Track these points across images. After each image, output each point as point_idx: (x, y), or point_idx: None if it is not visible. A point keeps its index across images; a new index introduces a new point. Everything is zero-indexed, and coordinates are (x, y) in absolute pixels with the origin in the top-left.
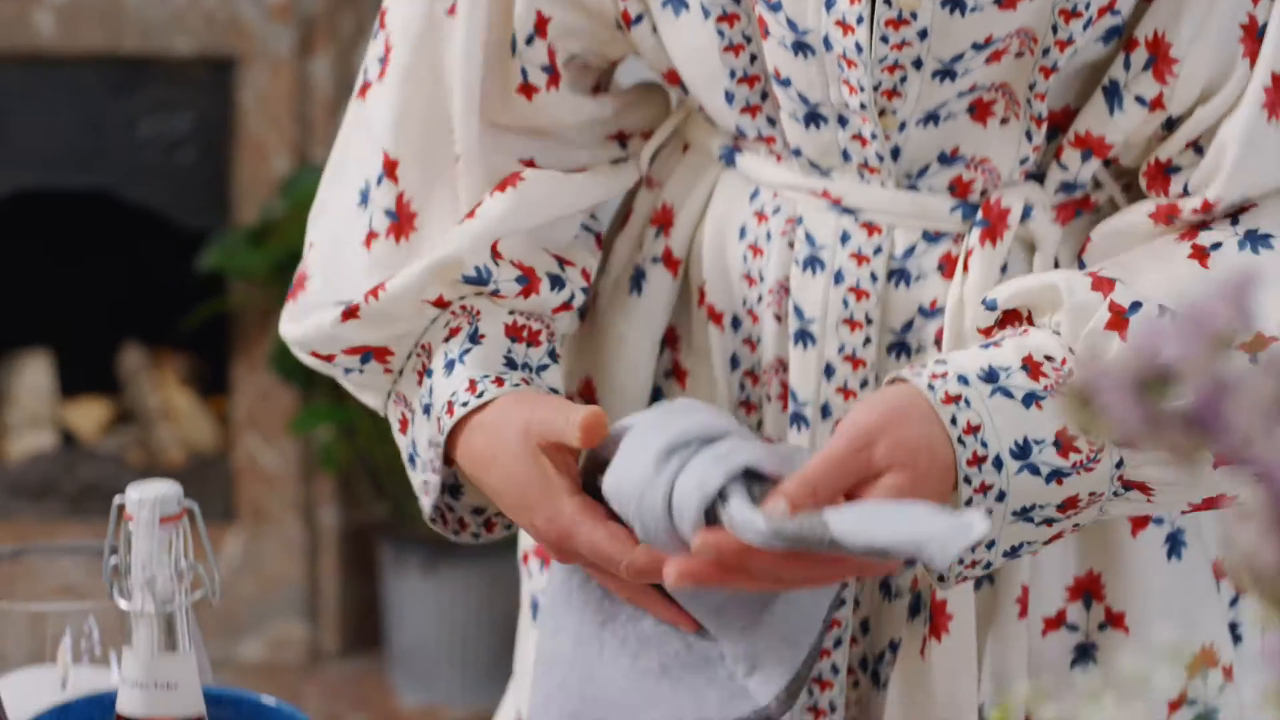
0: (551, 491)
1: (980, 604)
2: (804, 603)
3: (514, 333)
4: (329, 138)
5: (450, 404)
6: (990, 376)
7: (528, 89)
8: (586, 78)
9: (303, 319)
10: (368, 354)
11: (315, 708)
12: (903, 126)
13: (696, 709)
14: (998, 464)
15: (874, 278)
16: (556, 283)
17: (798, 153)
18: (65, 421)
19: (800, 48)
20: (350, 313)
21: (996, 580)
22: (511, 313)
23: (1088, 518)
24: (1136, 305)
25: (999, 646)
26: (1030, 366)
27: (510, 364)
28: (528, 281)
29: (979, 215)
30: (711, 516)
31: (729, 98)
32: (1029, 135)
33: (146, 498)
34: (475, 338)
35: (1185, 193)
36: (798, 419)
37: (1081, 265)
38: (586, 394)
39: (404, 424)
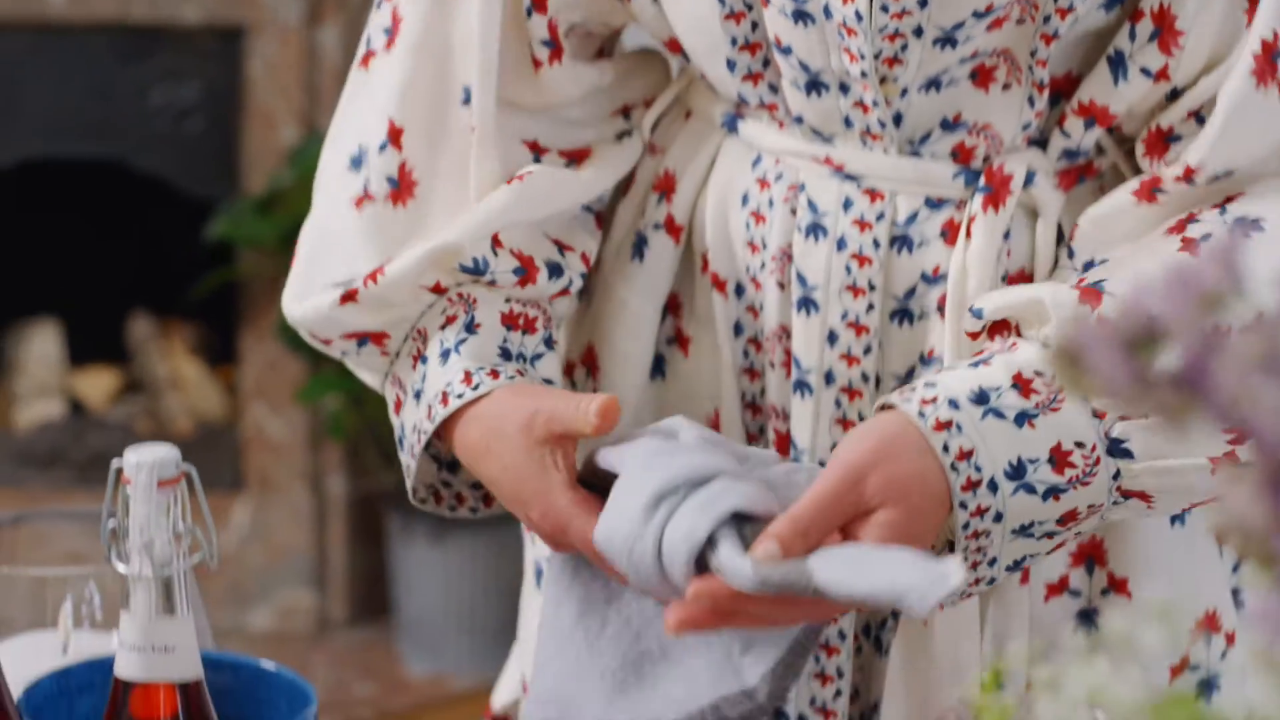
0: (547, 485)
1: None
2: None
3: (510, 321)
4: (338, 107)
5: (445, 394)
6: (981, 398)
7: (533, 63)
8: (589, 45)
9: (302, 299)
10: (364, 339)
11: (323, 676)
12: (904, 93)
13: (688, 688)
14: (993, 487)
15: (876, 244)
16: (554, 271)
17: (799, 120)
18: (74, 390)
19: (800, 16)
20: (349, 296)
21: None
22: (508, 300)
23: (1089, 526)
24: None
25: (1001, 612)
26: (1021, 385)
27: (505, 355)
28: (525, 272)
29: (981, 181)
30: (703, 563)
31: (730, 65)
32: (1031, 101)
33: (144, 461)
34: (471, 327)
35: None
36: (801, 386)
37: (1071, 254)
38: (588, 361)
39: (398, 405)
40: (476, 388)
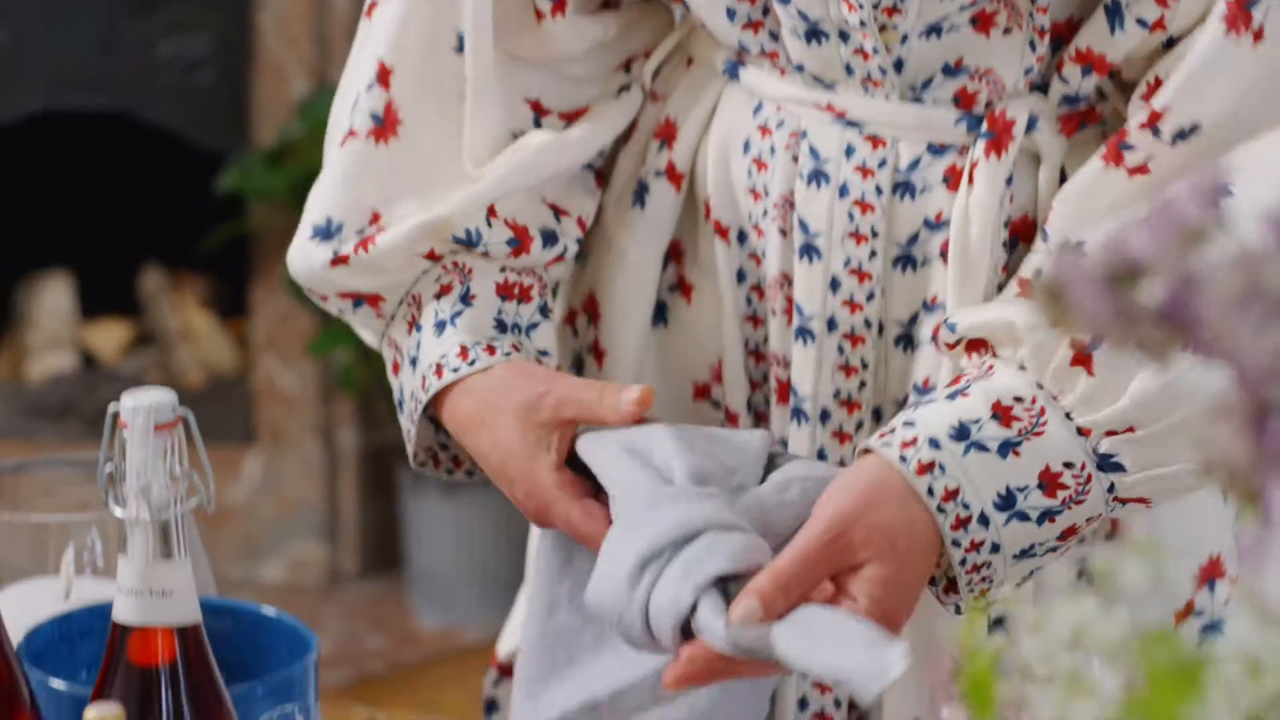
0: (534, 465)
1: None
2: None
3: (505, 291)
4: (347, 59)
5: (439, 366)
6: (961, 433)
7: (535, 14)
8: None
9: (299, 255)
10: (359, 300)
11: (334, 629)
12: (905, 39)
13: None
14: (984, 520)
15: (879, 191)
16: (549, 239)
17: (800, 68)
18: (85, 343)
19: None
20: (340, 260)
21: None
22: (503, 270)
23: (1093, 529)
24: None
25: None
26: (1001, 414)
27: (501, 326)
28: (519, 243)
29: (984, 127)
30: (689, 629)
31: (730, 14)
32: (1032, 45)
33: (141, 405)
34: (467, 298)
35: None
36: (803, 333)
37: (1045, 237)
38: (590, 309)
39: (395, 367)
40: (473, 363)
